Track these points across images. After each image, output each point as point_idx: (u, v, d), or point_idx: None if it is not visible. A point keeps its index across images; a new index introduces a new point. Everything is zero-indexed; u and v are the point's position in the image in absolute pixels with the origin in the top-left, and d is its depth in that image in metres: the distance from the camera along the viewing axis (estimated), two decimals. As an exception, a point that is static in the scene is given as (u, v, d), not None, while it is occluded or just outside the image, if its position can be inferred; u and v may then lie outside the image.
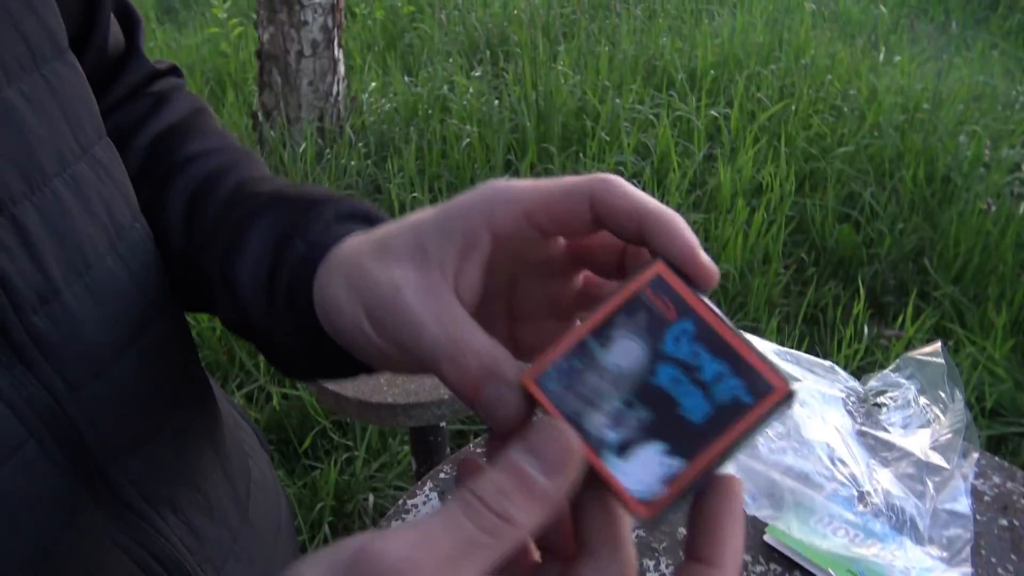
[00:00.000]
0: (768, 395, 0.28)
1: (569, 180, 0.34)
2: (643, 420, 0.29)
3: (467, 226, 0.34)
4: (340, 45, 3.17)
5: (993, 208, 2.41)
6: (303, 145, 2.93)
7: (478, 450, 0.78)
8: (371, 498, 1.77)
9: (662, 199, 2.54)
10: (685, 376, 0.29)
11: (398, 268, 0.34)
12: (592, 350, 0.30)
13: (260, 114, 3.15)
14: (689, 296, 0.30)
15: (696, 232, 2.18)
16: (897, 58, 3.35)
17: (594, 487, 0.30)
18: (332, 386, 1.33)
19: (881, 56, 3.38)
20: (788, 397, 0.28)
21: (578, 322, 0.41)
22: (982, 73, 3.30)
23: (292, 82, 3.10)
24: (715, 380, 0.29)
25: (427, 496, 0.71)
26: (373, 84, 3.44)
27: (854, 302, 2.21)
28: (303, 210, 0.43)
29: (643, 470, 0.28)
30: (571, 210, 0.33)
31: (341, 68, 3.19)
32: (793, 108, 2.93)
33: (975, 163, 2.63)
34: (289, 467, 1.91)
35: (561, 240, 0.37)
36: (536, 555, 0.34)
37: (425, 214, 0.36)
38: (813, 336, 2.24)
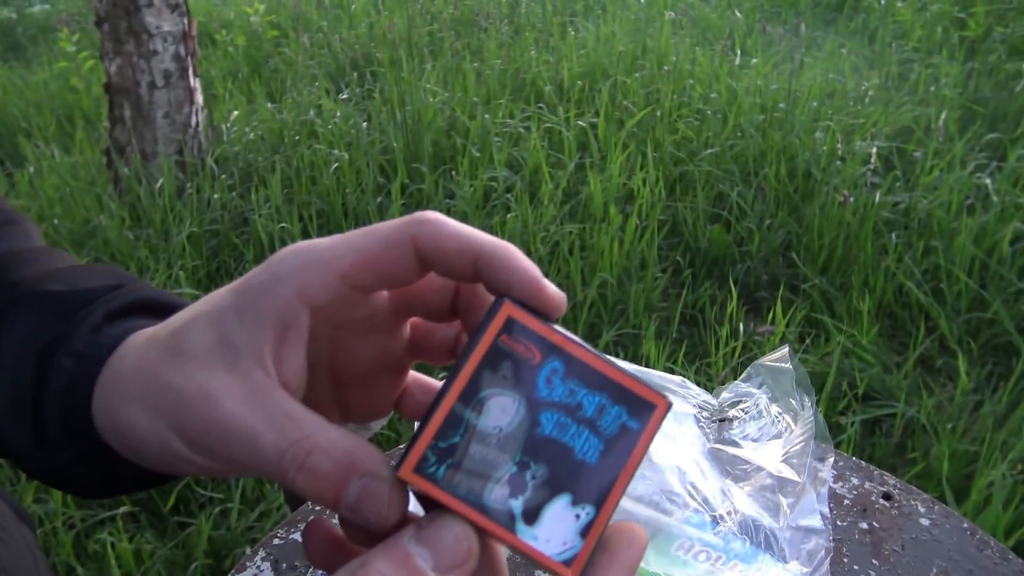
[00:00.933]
0: (652, 414, 0.29)
1: (384, 228, 0.30)
2: (541, 477, 0.28)
3: (278, 305, 0.29)
4: (196, 74, 3.03)
5: (851, 200, 2.50)
6: (161, 180, 2.77)
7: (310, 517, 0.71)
8: (248, 551, 1.66)
9: (535, 212, 2.53)
10: (568, 418, 0.28)
11: (205, 373, 0.29)
12: (466, 419, 0.28)
13: (113, 151, 2.97)
14: (547, 332, 0.29)
15: (572, 243, 2.15)
16: (753, 61, 3.47)
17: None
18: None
19: (738, 59, 3.49)
20: (668, 409, 0.29)
21: (411, 373, 0.37)
22: (832, 71, 3.45)
23: (146, 115, 2.94)
24: (598, 414, 0.28)
25: (259, 567, 0.64)
26: (236, 113, 3.30)
27: (729, 300, 2.25)
28: (67, 311, 0.35)
29: (557, 528, 0.27)
30: (394, 262, 0.30)
31: (199, 98, 3.05)
32: (658, 114, 2.98)
33: (831, 157, 2.74)
34: (160, 527, 1.78)
35: (384, 293, 0.33)
36: None
37: (219, 299, 0.30)
38: (693, 337, 2.26)
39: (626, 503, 0.60)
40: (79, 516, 1.75)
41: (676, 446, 0.63)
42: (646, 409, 0.28)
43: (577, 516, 0.28)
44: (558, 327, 0.29)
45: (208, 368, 0.29)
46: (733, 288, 2.25)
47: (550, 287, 0.29)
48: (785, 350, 0.69)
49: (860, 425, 1.93)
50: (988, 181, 2.60)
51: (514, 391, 0.28)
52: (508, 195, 2.64)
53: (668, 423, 0.66)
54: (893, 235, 2.44)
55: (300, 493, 0.28)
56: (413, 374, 0.37)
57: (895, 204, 2.60)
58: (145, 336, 0.32)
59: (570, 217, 2.62)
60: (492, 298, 0.32)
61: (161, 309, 0.37)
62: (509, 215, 2.50)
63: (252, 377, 0.29)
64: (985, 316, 2.22)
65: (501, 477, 0.27)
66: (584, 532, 0.27)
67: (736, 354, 2.06)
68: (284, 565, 0.63)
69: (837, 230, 2.46)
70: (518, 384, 0.28)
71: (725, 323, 2.13)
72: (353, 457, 0.28)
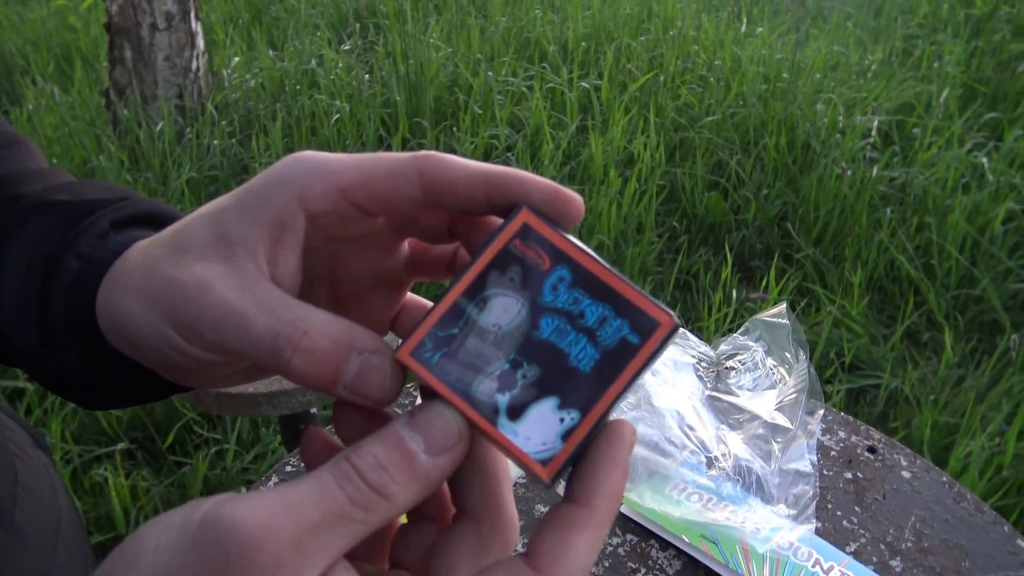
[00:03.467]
0: (654, 331, 0.28)
1: (392, 156, 0.31)
2: (532, 377, 0.28)
3: (276, 207, 0.30)
4: (198, 17, 3.00)
5: (848, 173, 2.52)
6: (160, 124, 2.76)
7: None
8: (244, 492, 1.70)
9: (537, 171, 2.54)
10: (568, 325, 0.29)
11: (200, 264, 0.30)
12: (468, 313, 0.29)
13: (112, 92, 2.95)
14: (560, 241, 0.29)
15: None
16: (759, 29, 3.46)
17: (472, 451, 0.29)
18: (189, 378, 1.25)
19: (743, 27, 3.48)
20: (674, 330, 0.28)
21: (408, 295, 0.38)
22: (836, 43, 3.45)
23: (146, 57, 2.91)
24: (599, 324, 0.28)
25: (271, 491, 0.66)
26: (236, 59, 3.28)
27: (723, 267, 2.28)
28: (74, 219, 0.37)
29: (539, 428, 0.28)
30: (395, 189, 0.30)
31: (200, 42, 3.02)
32: (661, 79, 2.98)
33: (831, 130, 2.75)
34: (156, 466, 1.81)
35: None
36: (401, 519, 0.32)
37: (222, 201, 0.32)
38: (686, 302, 2.30)
39: (635, 450, 0.63)
40: (77, 451, 1.78)
41: (675, 392, 0.65)
42: (650, 325, 0.28)
43: (561, 420, 0.28)
44: (573, 238, 0.30)
45: (203, 260, 0.30)
46: (728, 255, 2.28)
47: (568, 191, 0.30)
48: (783, 306, 0.72)
49: (845, 394, 1.97)
50: (985, 160, 2.62)
51: (519, 294, 0.29)
52: (509, 153, 2.65)
53: (668, 371, 0.68)
54: (888, 210, 2.47)
55: (294, 376, 0.28)
56: (410, 295, 0.38)
57: (892, 179, 2.62)
58: (150, 240, 0.33)
59: (570, 178, 2.63)
60: (492, 220, 0.33)
61: (166, 221, 0.38)
62: (509, 173, 2.51)
63: (245, 269, 0.30)
64: (973, 293, 2.26)
65: (492, 372, 0.28)
66: (565, 436, 0.28)
67: (728, 320, 2.10)
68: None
69: (833, 202, 2.49)
70: (524, 288, 0.29)
71: (719, 289, 2.16)
72: (350, 335, 0.28)
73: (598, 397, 0.28)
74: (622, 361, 0.28)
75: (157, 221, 0.38)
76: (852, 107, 2.93)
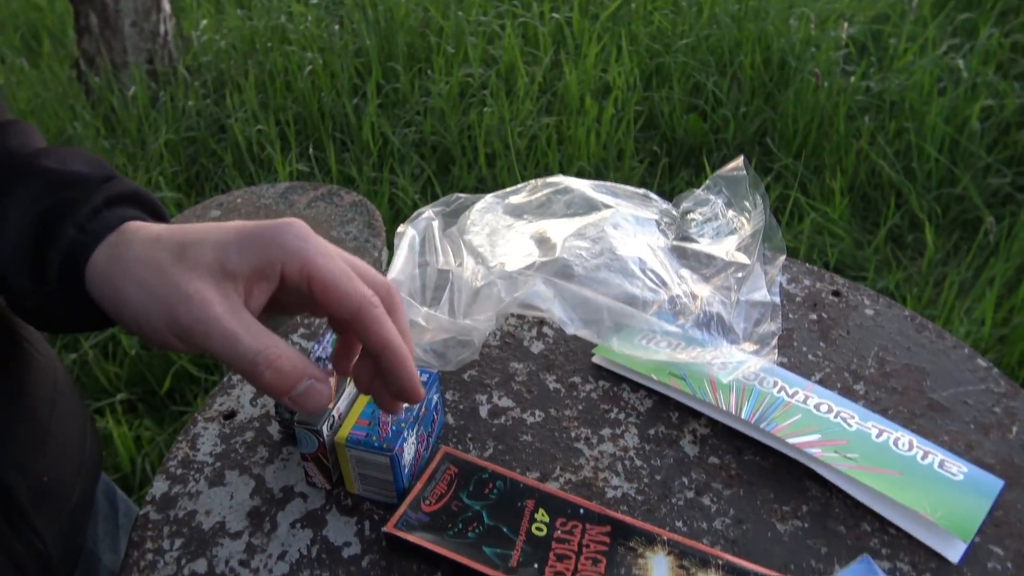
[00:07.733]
0: None
1: (357, 283, 0.41)
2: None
3: (265, 259, 0.40)
4: (161, -20, 2.96)
5: (825, 84, 2.51)
6: (133, 89, 2.74)
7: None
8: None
9: (512, 107, 2.54)
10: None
11: (201, 282, 0.39)
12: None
13: (82, 62, 2.92)
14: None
15: (549, 135, 2.14)
16: (729, -48, 3.42)
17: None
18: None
19: (714, -49, 3.43)
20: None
21: None
22: (808, -40, 3.41)
23: (113, 24, 2.88)
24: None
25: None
26: (204, 21, 3.25)
27: (705, 185, 2.28)
28: (66, 186, 0.44)
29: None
30: (341, 305, 0.41)
31: (166, 5, 2.99)
32: (633, 6, 2.96)
33: (805, 44, 2.73)
34: (158, 417, 1.84)
35: None
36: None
37: (228, 231, 0.41)
38: (670, 223, 2.30)
39: (588, 293, 0.64)
40: (77, 407, 1.80)
41: (637, 243, 0.67)
42: None
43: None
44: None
45: (204, 279, 0.39)
46: (709, 173, 2.28)
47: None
48: (740, 160, 0.73)
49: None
50: (961, 62, 2.61)
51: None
52: (484, 91, 2.64)
53: (630, 226, 0.70)
54: (866, 118, 2.47)
55: (258, 383, 0.39)
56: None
57: (868, 88, 2.61)
58: (153, 234, 0.42)
59: (547, 111, 2.62)
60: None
61: (144, 202, 0.48)
62: (486, 110, 2.51)
63: (232, 298, 0.39)
64: (955, 192, 2.27)
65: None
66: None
67: (711, 234, 2.11)
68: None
69: (811, 114, 2.48)
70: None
71: (700, 205, 2.17)
72: (306, 364, 0.40)
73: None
74: None
75: (140, 201, 0.47)
76: (825, 21, 2.91)
